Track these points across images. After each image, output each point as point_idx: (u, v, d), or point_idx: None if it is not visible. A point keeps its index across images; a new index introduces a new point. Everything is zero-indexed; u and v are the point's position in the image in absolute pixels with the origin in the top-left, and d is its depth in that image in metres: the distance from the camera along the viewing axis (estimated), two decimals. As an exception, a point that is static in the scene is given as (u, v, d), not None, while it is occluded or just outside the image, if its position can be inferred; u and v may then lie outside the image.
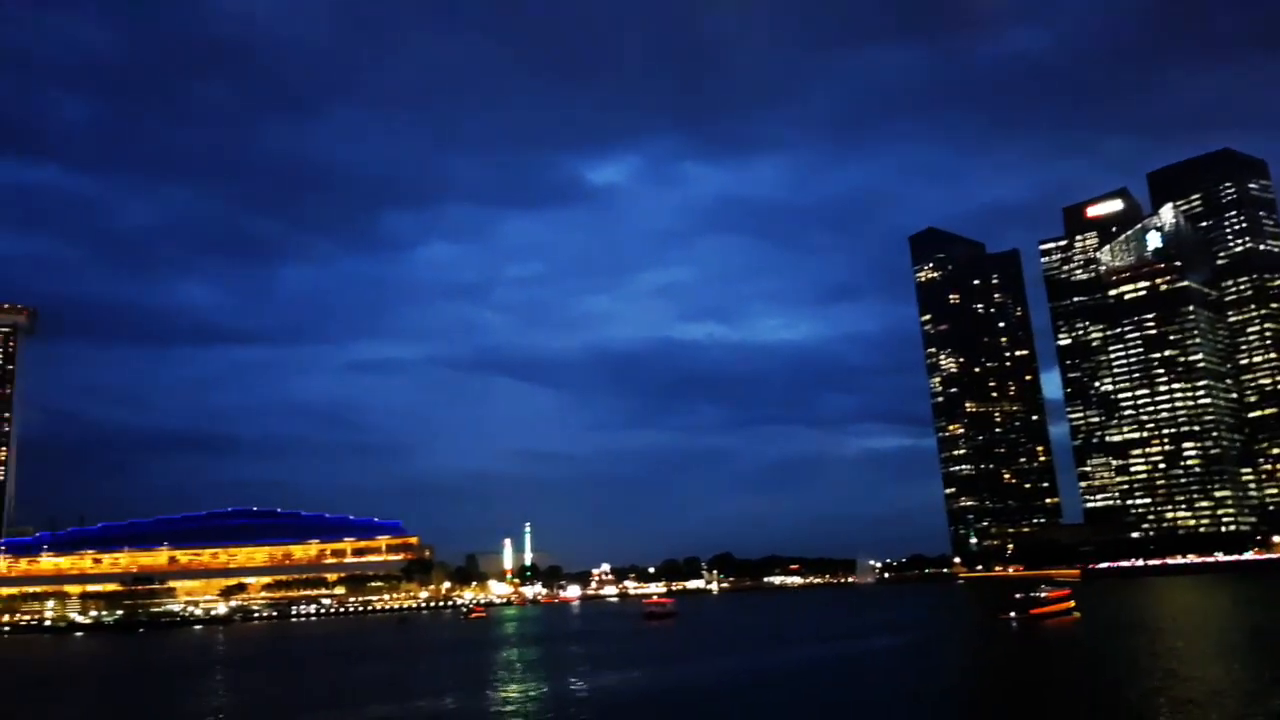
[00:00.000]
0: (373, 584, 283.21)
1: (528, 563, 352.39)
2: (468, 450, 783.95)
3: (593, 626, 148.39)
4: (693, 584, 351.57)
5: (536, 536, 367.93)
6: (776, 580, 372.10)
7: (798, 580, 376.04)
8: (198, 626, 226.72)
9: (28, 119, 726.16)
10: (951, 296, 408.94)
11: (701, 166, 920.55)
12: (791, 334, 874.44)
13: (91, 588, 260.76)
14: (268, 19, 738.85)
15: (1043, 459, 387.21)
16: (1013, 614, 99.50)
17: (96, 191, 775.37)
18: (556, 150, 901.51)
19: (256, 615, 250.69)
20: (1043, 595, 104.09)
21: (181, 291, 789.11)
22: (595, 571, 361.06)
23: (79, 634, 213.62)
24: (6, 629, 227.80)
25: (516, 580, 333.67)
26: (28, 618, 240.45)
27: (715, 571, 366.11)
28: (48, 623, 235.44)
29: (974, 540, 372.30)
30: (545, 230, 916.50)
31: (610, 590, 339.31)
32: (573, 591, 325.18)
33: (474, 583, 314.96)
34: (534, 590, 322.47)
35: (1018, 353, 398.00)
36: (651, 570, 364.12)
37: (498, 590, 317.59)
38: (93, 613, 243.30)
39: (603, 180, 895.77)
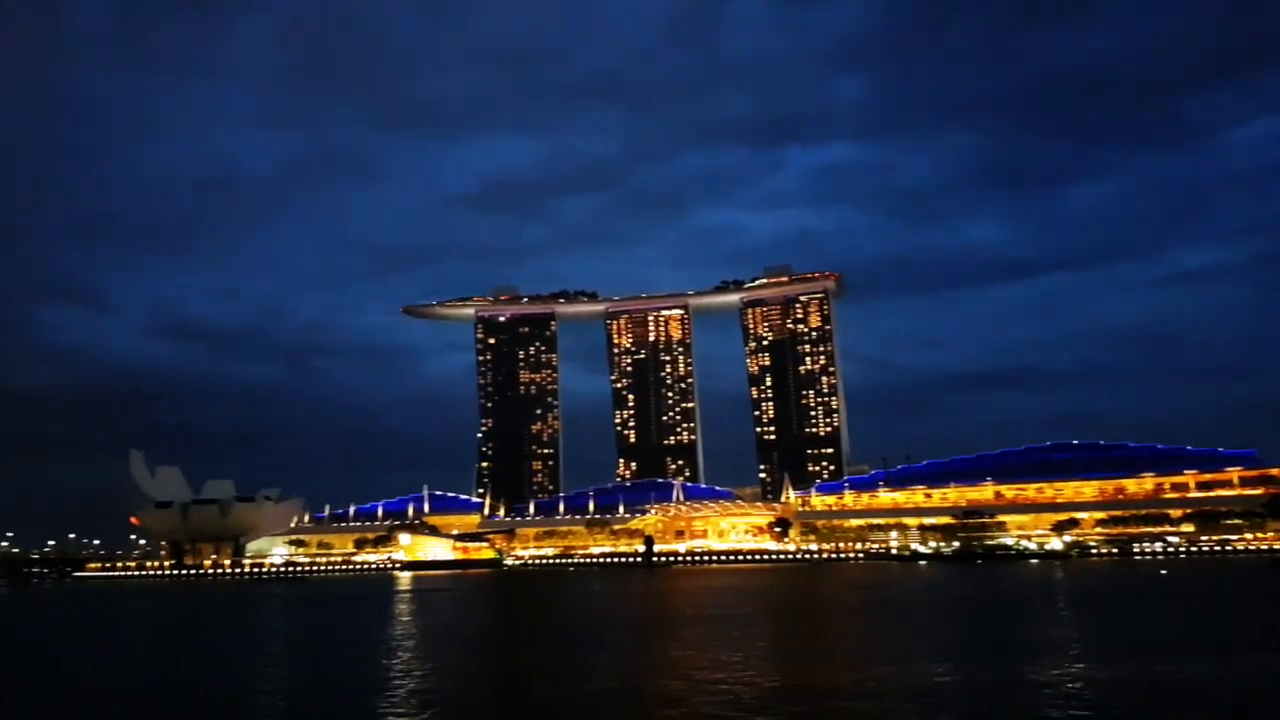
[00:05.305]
0: (1228, 521, 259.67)
1: None
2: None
3: None
4: None
5: None
6: None
7: None
8: (1033, 560, 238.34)
9: (815, 107, 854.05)
10: None
11: None
12: None
13: (926, 520, 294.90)
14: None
15: None
16: None
17: (880, 157, 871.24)
18: None
19: (1094, 551, 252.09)
20: None
21: (967, 233, 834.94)
22: None
23: (921, 563, 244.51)
24: (861, 556, 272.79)
25: None
26: (875, 545, 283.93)
27: None
28: (893, 550, 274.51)
29: None
30: None
31: None
32: None
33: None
34: None
35: None
36: None
37: None
38: (931, 543, 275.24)
39: None
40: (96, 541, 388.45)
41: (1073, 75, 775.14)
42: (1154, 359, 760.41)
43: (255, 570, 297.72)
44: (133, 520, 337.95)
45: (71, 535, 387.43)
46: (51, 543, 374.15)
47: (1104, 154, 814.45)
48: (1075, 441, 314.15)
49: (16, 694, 47.94)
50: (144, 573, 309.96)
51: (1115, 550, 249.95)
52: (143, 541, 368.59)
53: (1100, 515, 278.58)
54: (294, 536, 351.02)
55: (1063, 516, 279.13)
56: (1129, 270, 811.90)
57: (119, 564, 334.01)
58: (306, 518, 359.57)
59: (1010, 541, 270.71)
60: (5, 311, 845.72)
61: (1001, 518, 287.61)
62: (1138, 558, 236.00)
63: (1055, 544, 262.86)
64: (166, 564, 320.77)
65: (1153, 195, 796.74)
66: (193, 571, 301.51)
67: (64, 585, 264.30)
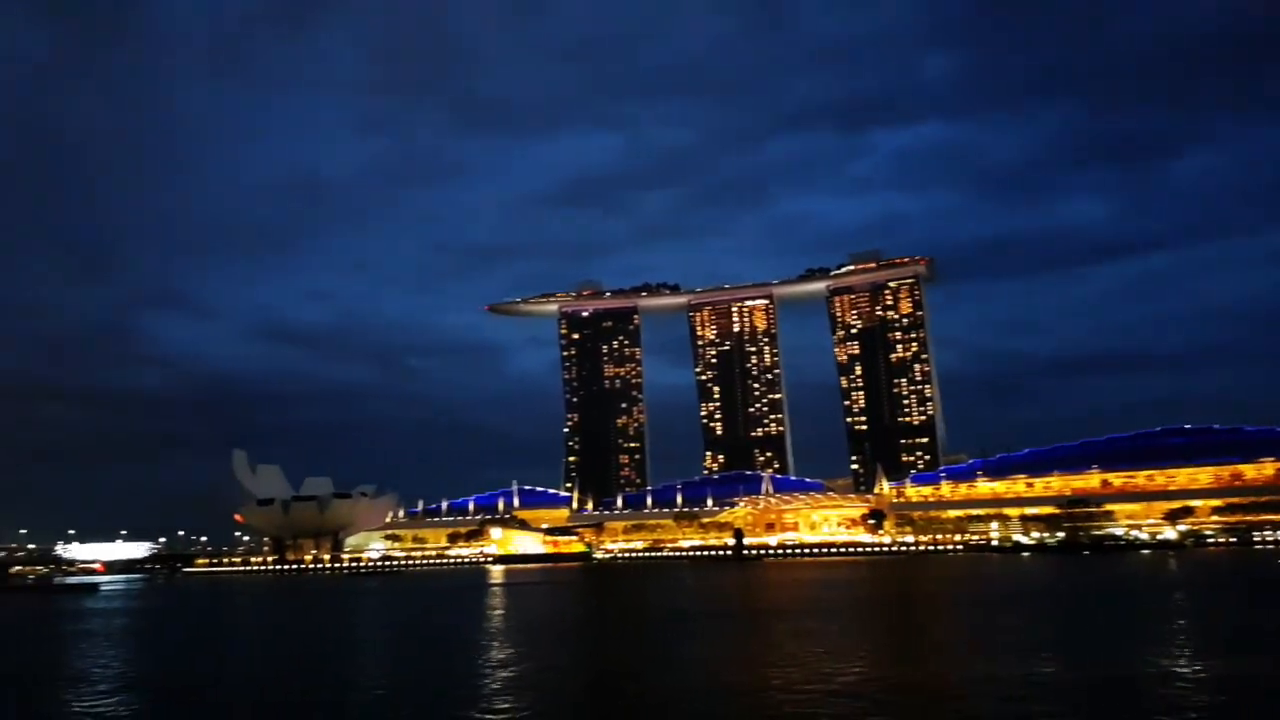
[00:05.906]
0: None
1: None
2: None
3: None
4: None
5: None
6: None
7: None
8: (1145, 551, 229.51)
9: (900, 87, 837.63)
10: None
11: None
12: None
13: (1028, 510, 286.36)
14: None
15: None
16: None
17: (970, 136, 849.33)
18: None
19: (1210, 541, 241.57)
20: None
21: (1065, 212, 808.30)
22: None
23: (1024, 554, 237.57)
24: (960, 547, 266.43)
25: None
26: (975, 537, 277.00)
27: None
28: (994, 542, 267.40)
29: None
30: None
31: None
32: None
33: None
34: None
35: None
36: None
37: None
38: (1034, 534, 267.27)
39: None
40: (204, 538, 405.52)
41: (1172, 42, 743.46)
42: (1269, 338, 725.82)
43: (353, 564, 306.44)
44: (237, 517, 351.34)
45: (180, 533, 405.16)
46: (163, 539, 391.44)
47: (1207, 124, 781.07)
48: (1187, 426, 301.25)
49: (156, 691, 49.95)
50: (248, 568, 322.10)
51: (1234, 539, 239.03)
52: (246, 538, 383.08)
53: (1217, 503, 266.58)
54: (390, 531, 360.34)
55: (1176, 505, 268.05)
56: (1239, 245, 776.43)
57: (225, 560, 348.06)
58: (401, 513, 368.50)
59: (1119, 531, 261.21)
60: (112, 319, 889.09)
61: (1109, 507, 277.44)
62: (1259, 547, 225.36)
63: (1169, 533, 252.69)
64: (269, 559, 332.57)
65: (1261, 166, 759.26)
66: (294, 566, 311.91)
67: (174, 580, 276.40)
